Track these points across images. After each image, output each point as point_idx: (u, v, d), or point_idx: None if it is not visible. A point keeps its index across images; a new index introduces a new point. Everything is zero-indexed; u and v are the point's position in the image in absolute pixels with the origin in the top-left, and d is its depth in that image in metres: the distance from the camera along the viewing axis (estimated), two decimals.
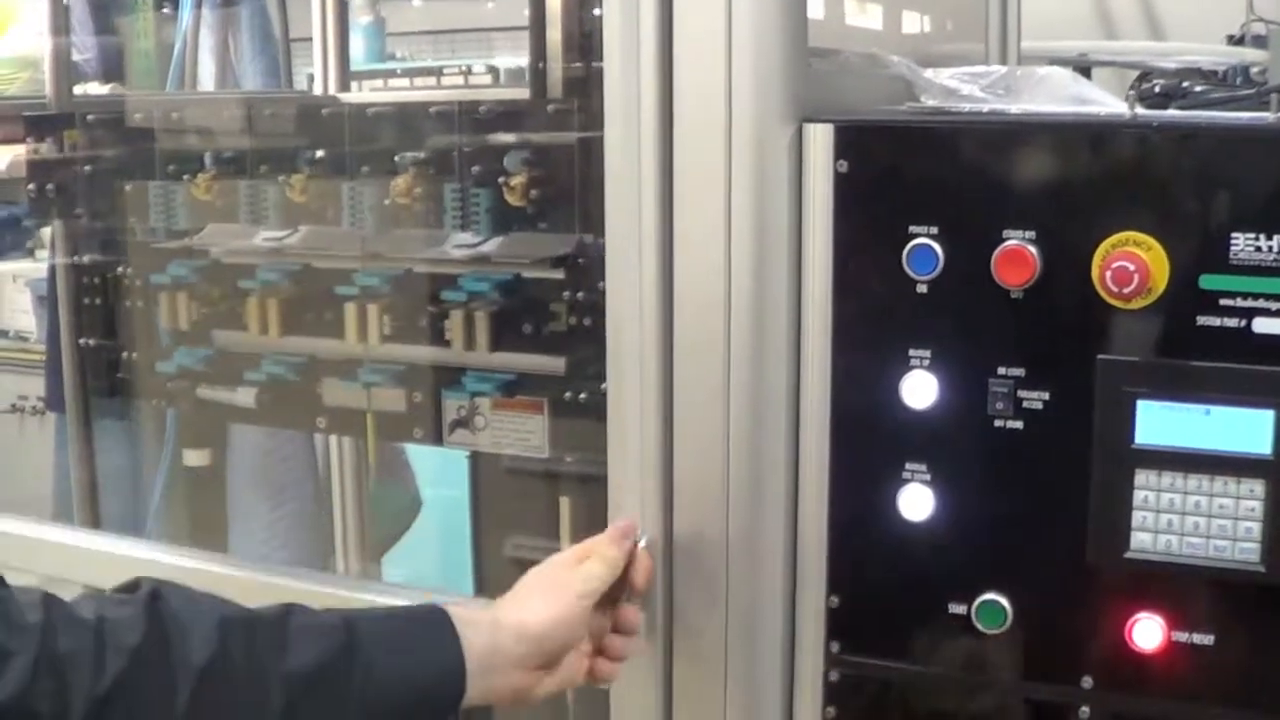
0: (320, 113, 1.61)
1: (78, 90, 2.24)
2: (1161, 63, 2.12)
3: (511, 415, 1.57)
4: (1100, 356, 1.16)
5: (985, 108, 1.32)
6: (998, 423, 1.19)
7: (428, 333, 1.55)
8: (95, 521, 2.02)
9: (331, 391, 1.64)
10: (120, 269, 1.76)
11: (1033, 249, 1.16)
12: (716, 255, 1.23)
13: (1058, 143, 1.18)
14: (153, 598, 1.05)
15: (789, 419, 1.26)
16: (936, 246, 1.19)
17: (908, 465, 1.23)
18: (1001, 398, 1.19)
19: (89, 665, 0.98)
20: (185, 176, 1.66)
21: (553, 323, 1.50)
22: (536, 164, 1.46)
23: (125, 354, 1.78)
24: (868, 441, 1.24)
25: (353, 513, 2.50)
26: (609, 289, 1.30)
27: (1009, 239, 1.17)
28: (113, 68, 2.57)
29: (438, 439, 1.61)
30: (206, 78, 2.44)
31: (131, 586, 1.07)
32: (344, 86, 2.33)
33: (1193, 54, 2.19)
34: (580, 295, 1.46)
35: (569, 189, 1.45)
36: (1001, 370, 1.19)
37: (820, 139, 1.22)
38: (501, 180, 1.46)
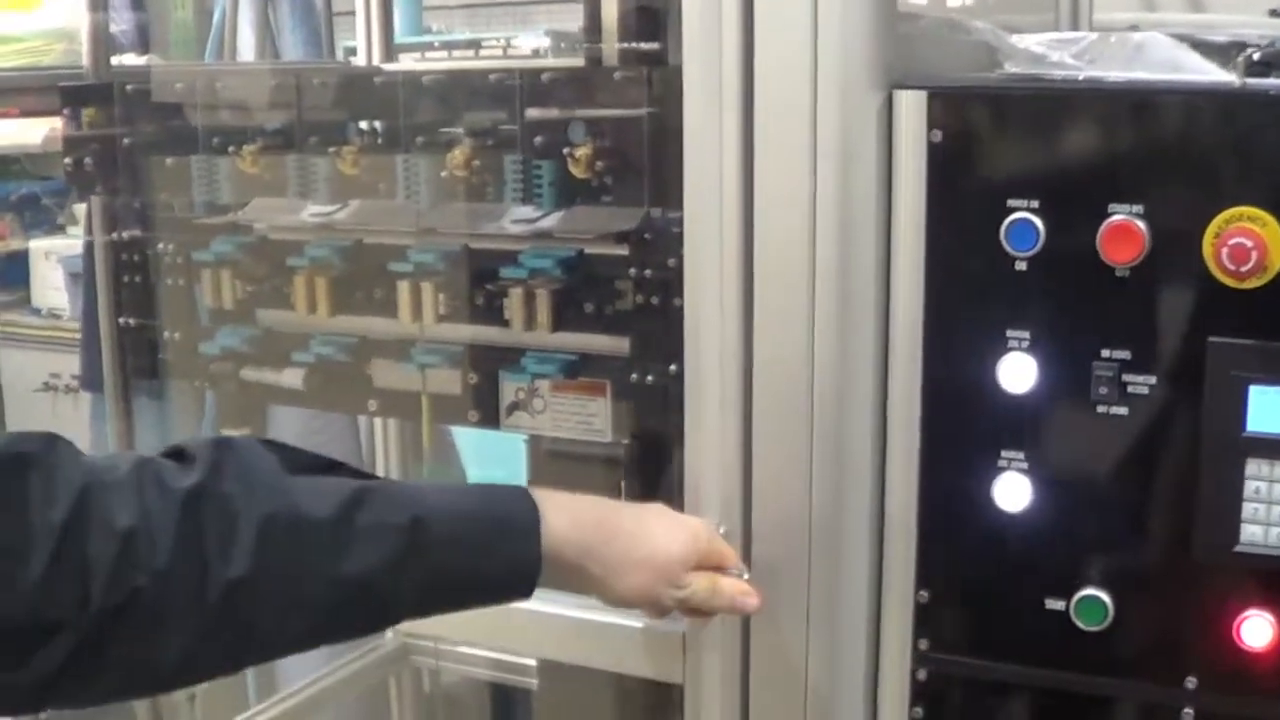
0: (373, 83, 1.54)
1: (114, 61, 2.19)
2: (1209, 35, 2.05)
3: (572, 398, 1.50)
4: (1211, 339, 1.09)
5: (1080, 75, 1.24)
6: (1101, 408, 1.13)
7: (485, 312, 1.48)
8: None
9: (383, 373, 1.58)
10: (161, 246, 1.70)
11: (1141, 224, 1.09)
12: (801, 230, 1.16)
13: (1167, 112, 1.11)
14: (196, 496, 0.98)
15: (876, 403, 1.20)
16: (1037, 221, 1.12)
17: (1004, 453, 1.16)
18: (1105, 382, 1.12)
19: (106, 575, 0.92)
20: (230, 149, 1.59)
21: (617, 301, 1.43)
22: (602, 135, 1.39)
23: (166, 334, 1.72)
24: (961, 427, 1.18)
25: None
26: (687, 265, 1.23)
27: (1115, 214, 1.10)
28: (149, 39, 2.52)
29: (494, 422, 1.54)
30: (246, 49, 2.39)
31: (188, 456, 1.01)
32: (388, 58, 2.27)
33: (1237, 27, 2.12)
34: (647, 272, 1.39)
35: (636, 161, 1.38)
36: (1105, 353, 1.12)
37: (912, 107, 1.15)
38: (566, 151, 1.39)
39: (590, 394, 1.49)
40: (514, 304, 1.45)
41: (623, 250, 1.42)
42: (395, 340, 1.55)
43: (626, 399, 1.45)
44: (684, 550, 1.16)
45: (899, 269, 1.17)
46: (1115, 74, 1.21)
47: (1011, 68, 1.28)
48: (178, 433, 2.19)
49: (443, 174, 1.46)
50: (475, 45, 3.57)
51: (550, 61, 2.41)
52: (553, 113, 1.41)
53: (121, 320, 1.77)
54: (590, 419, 1.50)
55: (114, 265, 1.77)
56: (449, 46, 3.58)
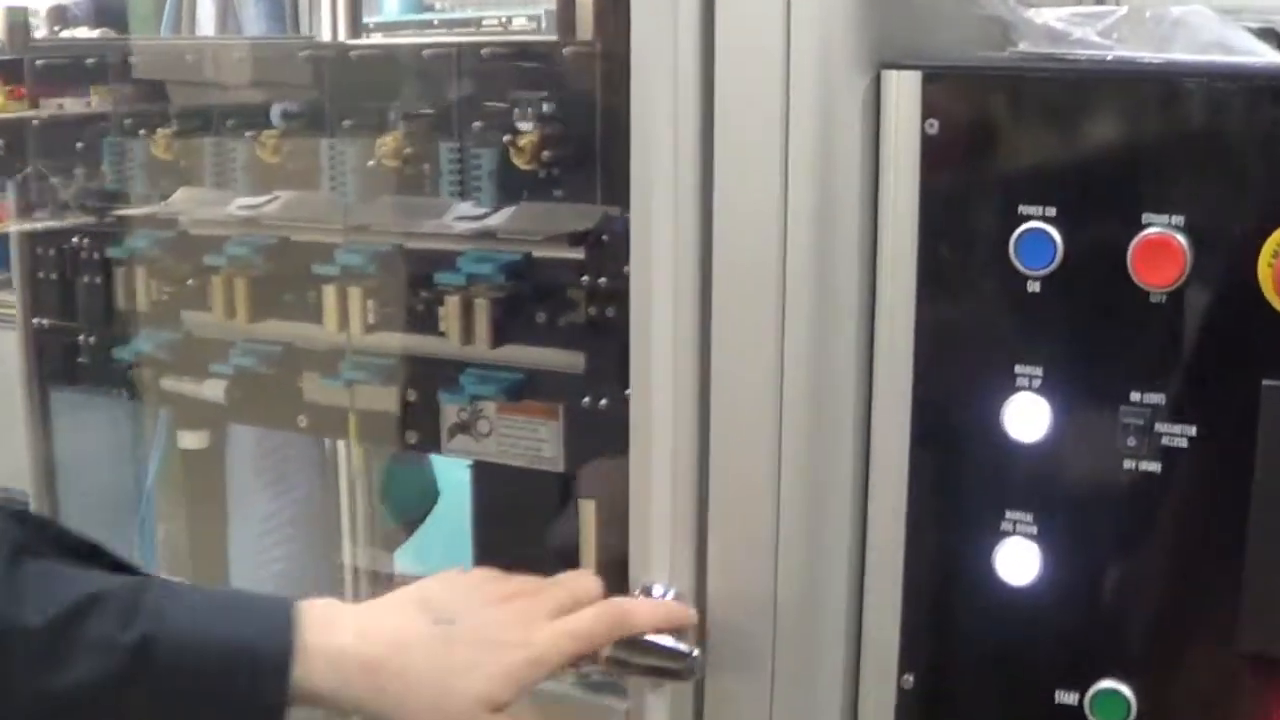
0: (296, 59, 1.34)
1: (66, 35, 2.04)
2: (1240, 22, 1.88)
3: (521, 420, 1.31)
4: (1266, 382, 0.88)
5: (1108, 55, 1.03)
6: (1128, 463, 0.92)
7: (420, 322, 1.29)
8: (54, 511, 1.79)
9: (313, 387, 1.40)
10: (76, 239, 1.51)
11: (1182, 239, 0.88)
12: (769, 237, 0.96)
13: (1216, 101, 0.90)
14: None
15: (856, 450, 0.99)
16: (1054, 233, 0.91)
17: (1009, 513, 0.96)
18: (1135, 431, 0.91)
19: None
20: (141, 132, 1.40)
21: (570, 313, 1.24)
22: (551, 119, 1.20)
23: (83, 337, 1.54)
24: (958, 481, 0.97)
25: (361, 501, 2.28)
26: (633, 274, 1.03)
27: (1151, 225, 0.89)
28: (106, 11, 2.34)
29: (435, 445, 1.36)
30: (206, 21, 2.20)
31: None
32: (355, 35, 2.07)
33: (1270, 13, 1.94)
34: (603, 280, 1.20)
35: (590, 150, 1.18)
36: (1135, 396, 0.91)
37: (904, 91, 0.95)
38: (507, 139, 1.19)
39: (540, 417, 1.31)
40: (449, 314, 1.25)
41: (577, 254, 1.22)
42: (324, 351, 1.37)
43: (581, 423, 1.26)
44: (487, 690, 0.95)
45: (886, 287, 0.97)
46: (1151, 54, 1.00)
47: (1027, 46, 1.07)
48: (137, 428, 2.04)
49: (370, 163, 1.26)
50: (475, 24, 3.36)
51: (490, 36, 2.21)
52: (491, 93, 1.21)
53: (36, 321, 1.59)
54: (540, 445, 1.31)
55: (30, 259, 1.59)
56: (449, 25, 3.37)
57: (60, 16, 2.26)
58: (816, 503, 0.99)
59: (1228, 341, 0.89)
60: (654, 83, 0.99)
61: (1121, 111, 0.91)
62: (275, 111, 1.35)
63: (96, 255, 1.49)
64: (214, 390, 1.45)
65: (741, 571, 1.01)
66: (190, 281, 1.43)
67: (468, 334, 1.25)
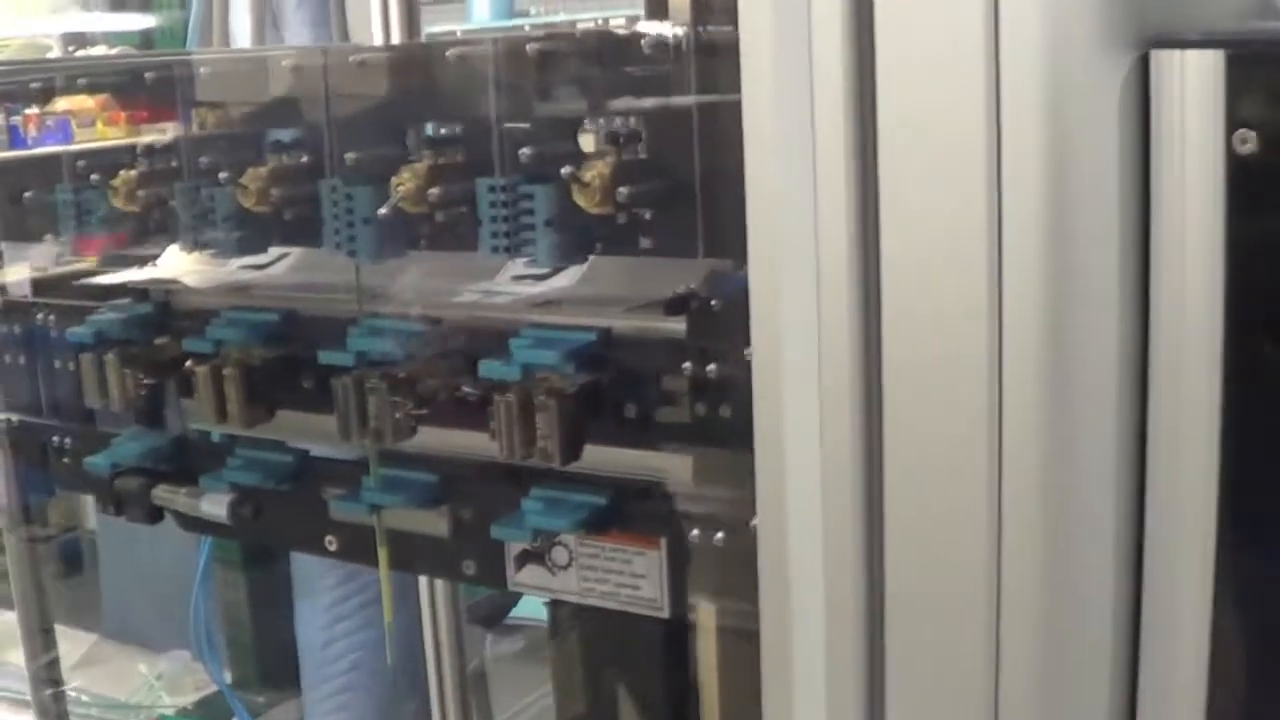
0: (266, 69, 0.99)
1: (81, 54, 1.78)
2: None
3: (610, 549, 0.96)
4: None
5: None
6: None
7: (471, 421, 0.94)
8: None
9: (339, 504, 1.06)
10: (40, 316, 1.19)
11: None
12: (972, 319, 0.60)
13: None
14: None
15: (1119, 636, 0.63)
16: None
17: None
18: None
19: None
20: (94, 176, 1.07)
21: (668, 410, 0.88)
22: (628, 142, 0.84)
23: (58, 438, 1.22)
24: None
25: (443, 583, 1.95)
26: (755, 360, 0.68)
27: None
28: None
29: (499, 578, 1.01)
30: (242, 33, 1.89)
31: None
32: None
33: None
34: (713, 365, 0.84)
35: (686, 186, 0.83)
36: None
37: (1194, 83, 0.58)
38: (568, 172, 0.84)
39: (635, 545, 0.96)
40: (501, 421, 0.90)
41: (676, 327, 0.87)
42: (345, 462, 1.04)
43: (689, 557, 0.91)
44: None
45: (1166, 407, 0.60)
46: None
47: None
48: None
49: (381, 211, 0.92)
50: (569, 28, 3.12)
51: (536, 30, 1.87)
52: (545, 109, 0.86)
53: (4, 417, 1.27)
54: (636, 582, 0.96)
55: None
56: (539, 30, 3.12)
57: (77, 37, 2.00)
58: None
59: None
60: (774, 82, 0.63)
61: None
62: (266, 143, 1.01)
63: (60, 336, 1.17)
64: (214, 507, 1.12)
65: None
66: (172, 371, 1.09)
67: (526, 442, 0.90)
